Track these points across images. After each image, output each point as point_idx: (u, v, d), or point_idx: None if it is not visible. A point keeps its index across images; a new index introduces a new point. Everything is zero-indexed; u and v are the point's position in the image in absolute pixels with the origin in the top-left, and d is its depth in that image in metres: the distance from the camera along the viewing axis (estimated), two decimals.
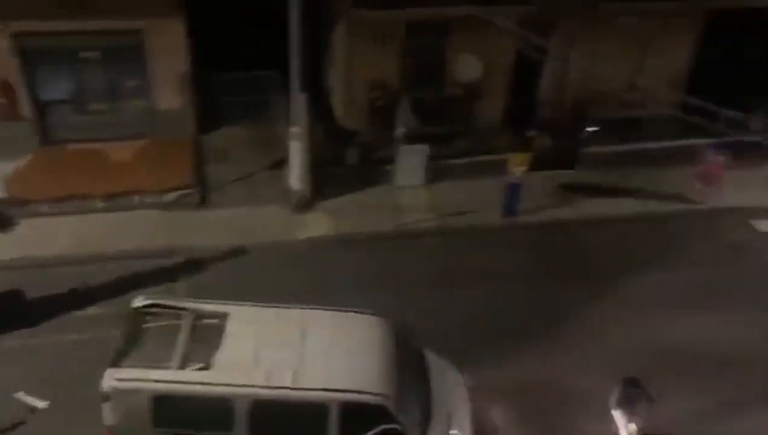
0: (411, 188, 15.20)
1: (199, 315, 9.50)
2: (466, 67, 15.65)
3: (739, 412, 10.73)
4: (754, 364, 11.54)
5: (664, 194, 15.28)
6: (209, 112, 15.95)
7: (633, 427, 9.40)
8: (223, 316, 9.47)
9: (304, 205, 14.45)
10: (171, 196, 14.31)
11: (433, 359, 10.20)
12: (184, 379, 8.63)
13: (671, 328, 12.05)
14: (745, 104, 13.97)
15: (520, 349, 11.47)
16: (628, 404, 9.49)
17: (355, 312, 9.87)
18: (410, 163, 15.12)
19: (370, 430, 8.67)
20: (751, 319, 12.40)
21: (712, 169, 14.96)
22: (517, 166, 14.03)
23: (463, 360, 10.50)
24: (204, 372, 8.71)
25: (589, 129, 15.77)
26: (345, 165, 15.50)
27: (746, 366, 11.48)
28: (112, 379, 8.54)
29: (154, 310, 9.54)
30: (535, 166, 14.59)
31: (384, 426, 8.66)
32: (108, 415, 8.61)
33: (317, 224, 14.19)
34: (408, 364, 9.54)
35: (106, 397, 8.55)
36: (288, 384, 8.64)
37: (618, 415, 9.57)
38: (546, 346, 11.62)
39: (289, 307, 9.76)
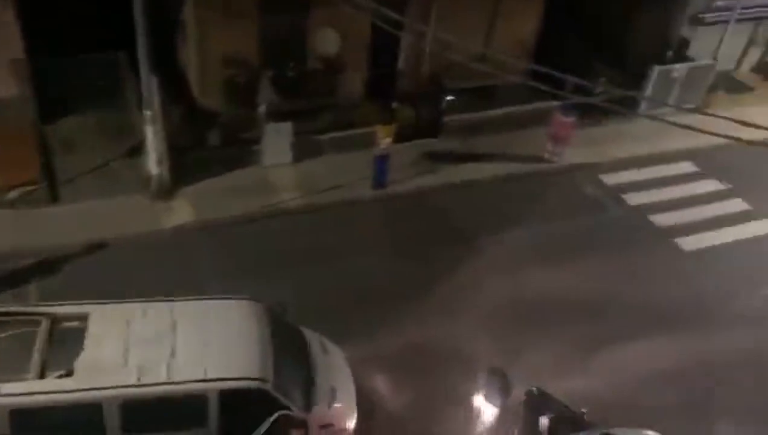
0: (279, 167, 14.93)
1: (57, 319, 8.90)
2: (325, 41, 15.50)
3: (602, 351, 11.62)
4: (610, 307, 12.52)
5: (520, 156, 16.12)
6: (52, 99, 14.70)
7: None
8: (84, 318, 8.92)
9: (165, 192, 13.80)
10: (14, 193, 13.18)
11: (311, 336, 10.19)
12: (44, 389, 8.06)
13: (535, 281, 12.76)
14: (587, 68, 14.96)
15: (396, 317, 11.71)
16: (497, 394, 10.02)
17: (226, 298, 9.65)
18: (276, 141, 14.81)
19: (252, 415, 8.50)
20: (606, 266, 13.42)
21: (561, 130, 15.95)
22: (383, 137, 14.21)
23: (342, 334, 10.60)
24: (66, 379, 8.18)
25: (448, 98, 16.25)
26: (208, 147, 14.94)
27: (604, 309, 12.44)
28: None
29: (3, 318, 8.80)
30: (400, 137, 14.85)
31: (281, 412, 8.54)
32: None
33: (181, 211, 13.61)
34: (286, 345, 9.45)
35: None
36: (162, 379, 8.32)
37: (490, 406, 10.06)
38: (421, 311, 11.94)
39: (156, 301, 9.37)
